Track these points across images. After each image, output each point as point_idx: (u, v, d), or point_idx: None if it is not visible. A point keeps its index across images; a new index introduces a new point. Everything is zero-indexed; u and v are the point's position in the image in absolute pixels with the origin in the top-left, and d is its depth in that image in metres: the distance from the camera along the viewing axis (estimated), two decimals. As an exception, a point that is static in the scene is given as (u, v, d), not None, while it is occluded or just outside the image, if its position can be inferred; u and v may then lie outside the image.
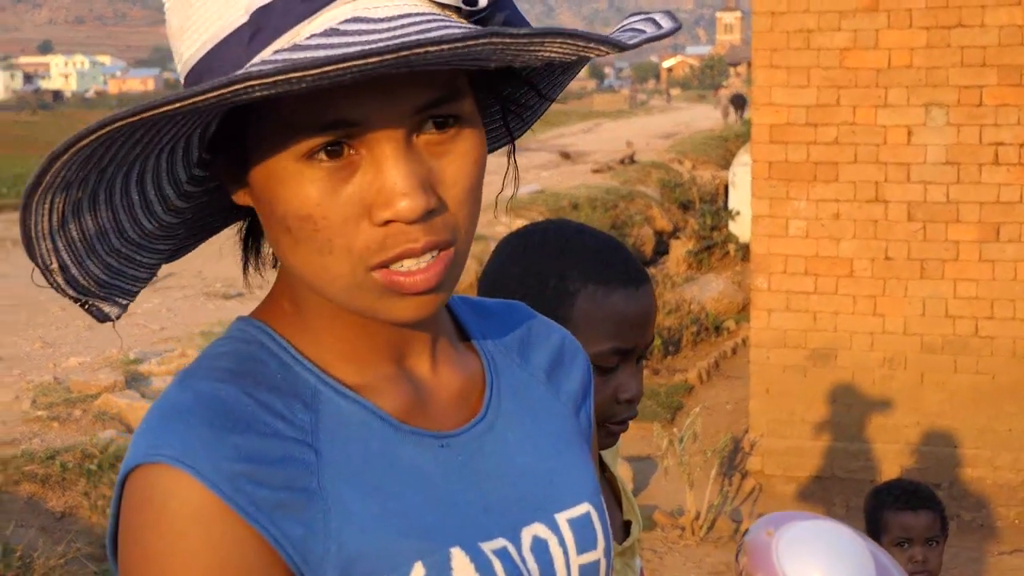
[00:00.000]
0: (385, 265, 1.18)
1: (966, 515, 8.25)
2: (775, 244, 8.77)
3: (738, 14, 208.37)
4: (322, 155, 1.16)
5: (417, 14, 1.11)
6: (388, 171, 1.16)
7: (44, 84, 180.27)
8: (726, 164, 23.84)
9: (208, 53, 1.16)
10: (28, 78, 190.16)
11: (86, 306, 1.24)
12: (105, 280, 1.23)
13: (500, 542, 1.28)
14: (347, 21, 1.10)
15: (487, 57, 1.14)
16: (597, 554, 1.38)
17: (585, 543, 1.36)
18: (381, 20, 1.10)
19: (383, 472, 1.24)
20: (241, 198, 1.26)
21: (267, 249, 1.35)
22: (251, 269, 1.36)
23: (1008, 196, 8.28)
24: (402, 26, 1.09)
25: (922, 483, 4.38)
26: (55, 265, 1.17)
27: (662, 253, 18.48)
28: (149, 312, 12.01)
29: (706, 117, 51.21)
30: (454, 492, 1.28)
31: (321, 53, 1.06)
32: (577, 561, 1.35)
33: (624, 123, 50.17)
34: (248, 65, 1.12)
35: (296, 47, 1.10)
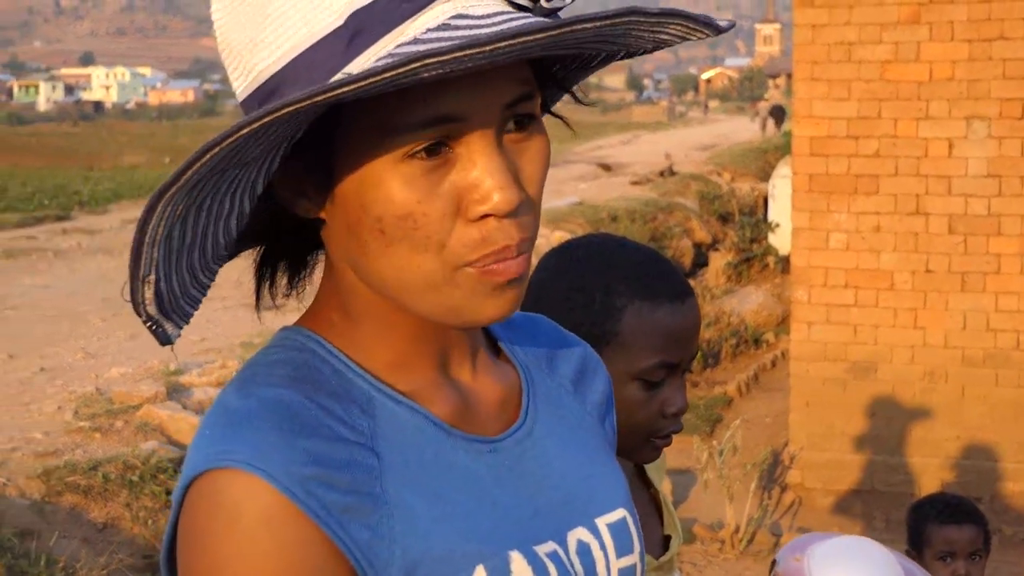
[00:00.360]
0: (480, 262, 1.20)
1: (1007, 529, 8.20)
2: (815, 256, 8.74)
3: (777, 26, 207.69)
4: (422, 153, 1.17)
5: (507, 12, 1.14)
6: (484, 165, 1.18)
7: (85, 95, 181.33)
8: (765, 176, 23.78)
9: (292, 62, 1.16)
10: (69, 89, 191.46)
11: (155, 327, 1.24)
12: (177, 298, 1.24)
13: (551, 545, 1.30)
14: (454, 17, 1.12)
15: (615, 38, 1.20)
16: (634, 558, 1.40)
17: (623, 547, 1.39)
18: (482, 16, 1.12)
19: (440, 477, 1.26)
20: (309, 211, 1.26)
21: (281, 278, 1.36)
22: (264, 295, 1.36)
23: (1050, 209, 8.24)
24: (503, 21, 1.12)
25: (965, 497, 4.36)
26: (152, 276, 1.18)
27: (701, 265, 18.44)
28: (189, 323, 11.99)
29: (745, 129, 51.11)
30: (505, 496, 1.30)
31: (453, 38, 1.09)
32: (616, 565, 1.38)
33: (663, 135, 50.14)
34: (351, 66, 1.13)
35: (417, 40, 1.11)
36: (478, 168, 1.18)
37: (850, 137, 8.62)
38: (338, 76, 1.12)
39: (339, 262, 1.29)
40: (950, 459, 8.52)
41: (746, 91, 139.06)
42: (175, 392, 8.96)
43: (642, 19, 1.16)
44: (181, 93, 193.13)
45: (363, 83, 1.06)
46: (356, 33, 1.14)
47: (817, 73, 8.65)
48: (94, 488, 7.13)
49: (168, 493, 7.21)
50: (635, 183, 25.20)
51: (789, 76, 9.26)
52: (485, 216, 1.19)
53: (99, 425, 8.16)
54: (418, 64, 1.05)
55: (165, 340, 1.27)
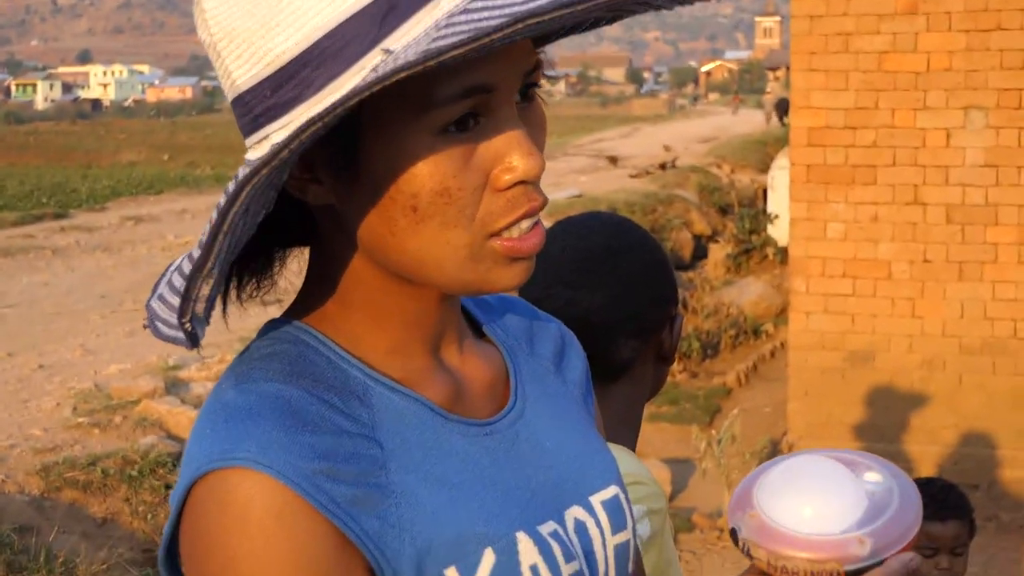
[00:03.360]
0: (505, 229, 1.21)
1: (1005, 516, 8.22)
2: (813, 247, 8.75)
3: (777, 18, 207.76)
4: (454, 127, 1.18)
5: None
6: (511, 134, 1.20)
7: (83, 94, 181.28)
8: (765, 168, 23.78)
9: (318, 41, 1.14)
10: (67, 88, 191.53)
11: (192, 329, 1.22)
12: (212, 297, 1.22)
13: (551, 525, 1.31)
14: None
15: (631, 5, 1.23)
16: (628, 534, 1.41)
17: (618, 523, 1.40)
18: None
19: (441, 462, 1.26)
20: (319, 197, 1.25)
21: (249, 277, 1.33)
22: (232, 304, 1.33)
23: (1047, 198, 8.25)
24: None
25: (953, 486, 4.28)
26: (216, 271, 1.17)
27: (700, 257, 18.46)
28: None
29: (745, 121, 51.09)
30: (504, 479, 1.30)
31: (485, 15, 1.08)
32: (612, 541, 1.38)
33: (663, 127, 50.13)
34: (388, 42, 1.13)
35: (467, 11, 1.10)
36: (506, 138, 1.20)
37: (848, 127, 8.62)
38: (432, 45, 1.08)
39: (344, 249, 1.28)
40: (948, 447, 8.53)
41: (745, 84, 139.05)
42: (173, 387, 8.97)
43: None
44: (179, 90, 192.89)
45: (465, 48, 1.06)
46: (392, 8, 1.13)
47: (815, 64, 8.66)
48: (93, 483, 7.14)
49: (168, 487, 7.22)
50: (635, 176, 25.21)
51: (788, 68, 9.30)
52: (515, 183, 1.20)
53: (98, 421, 8.17)
54: (522, 26, 1.06)
55: (196, 342, 1.25)
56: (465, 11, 1.10)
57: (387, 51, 1.12)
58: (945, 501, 4.04)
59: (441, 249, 1.21)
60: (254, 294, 1.34)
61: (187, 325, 1.21)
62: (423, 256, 1.22)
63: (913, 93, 8.46)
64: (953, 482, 4.32)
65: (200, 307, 1.20)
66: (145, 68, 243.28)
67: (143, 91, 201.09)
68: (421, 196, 1.18)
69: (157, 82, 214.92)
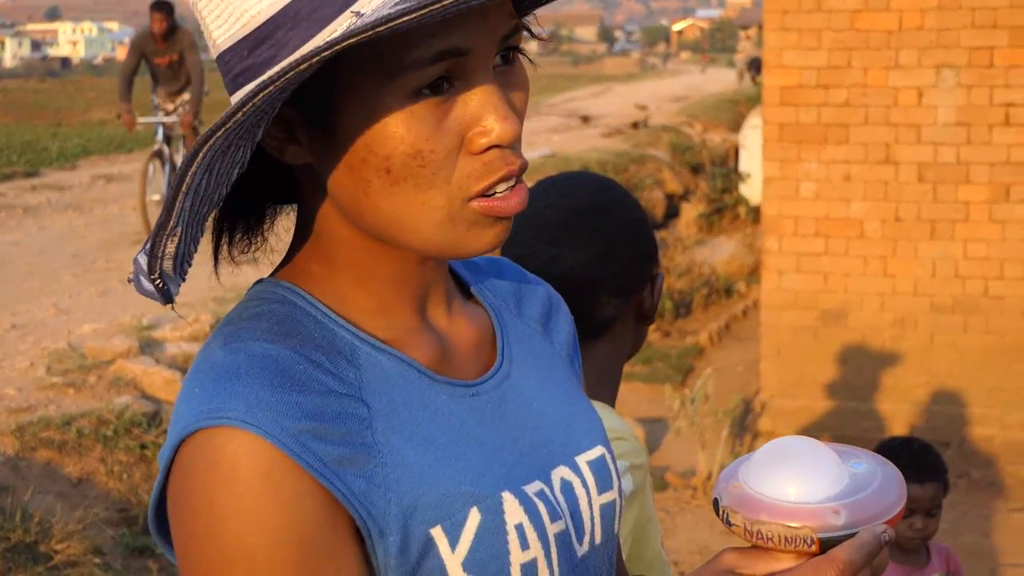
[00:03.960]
0: (484, 193, 1.22)
1: (976, 473, 8.29)
2: (786, 206, 8.78)
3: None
4: (427, 90, 1.19)
5: None
6: (486, 98, 1.21)
7: (52, 51, 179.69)
8: (736, 127, 23.76)
9: (292, 3, 1.16)
10: (36, 45, 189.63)
11: (163, 285, 1.24)
12: (183, 255, 1.24)
13: (537, 484, 1.32)
14: None
15: None
16: (613, 494, 1.43)
17: (604, 483, 1.42)
18: None
19: (428, 422, 1.27)
20: (297, 157, 1.26)
21: (240, 232, 1.36)
22: (223, 255, 1.36)
23: (1018, 157, 8.29)
24: None
25: (929, 446, 4.31)
26: (179, 228, 1.19)
27: (673, 216, 18.45)
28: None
29: (717, 80, 51.03)
30: (491, 439, 1.32)
31: None
32: (598, 501, 1.40)
33: (635, 86, 50.00)
34: (359, 4, 1.14)
35: None
36: (480, 101, 1.21)
37: (820, 86, 8.63)
38: (386, 11, 1.10)
39: (326, 209, 1.29)
40: (919, 405, 8.59)
41: (717, 42, 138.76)
42: (148, 347, 8.94)
43: None
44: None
45: (420, 12, 1.07)
46: None
47: (787, 23, 8.66)
48: (68, 443, 7.13)
49: (143, 447, 7.22)
50: (607, 135, 25.16)
51: (760, 27, 9.26)
52: (490, 147, 1.21)
53: (72, 380, 8.14)
54: (438, 6, 1.06)
55: (168, 299, 1.27)
56: None
57: (357, 13, 1.13)
58: (924, 463, 4.08)
59: (417, 210, 1.22)
60: (245, 251, 1.36)
61: (157, 282, 1.23)
62: (398, 218, 1.23)
63: (885, 52, 8.48)
64: (929, 442, 4.34)
65: (168, 264, 1.21)
66: (115, 25, 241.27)
67: (113, 49, 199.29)
68: (394, 158, 1.20)
69: (127, 40, 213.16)
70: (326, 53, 1.09)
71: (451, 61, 1.18)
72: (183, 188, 1.15)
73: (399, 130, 1.19)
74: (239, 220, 1.35)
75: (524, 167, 1.24)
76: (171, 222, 1.17)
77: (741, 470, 1.29)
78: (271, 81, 1.10)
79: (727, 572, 1.22)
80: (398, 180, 1.20)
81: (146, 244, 1.21)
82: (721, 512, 1.26)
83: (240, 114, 1.11)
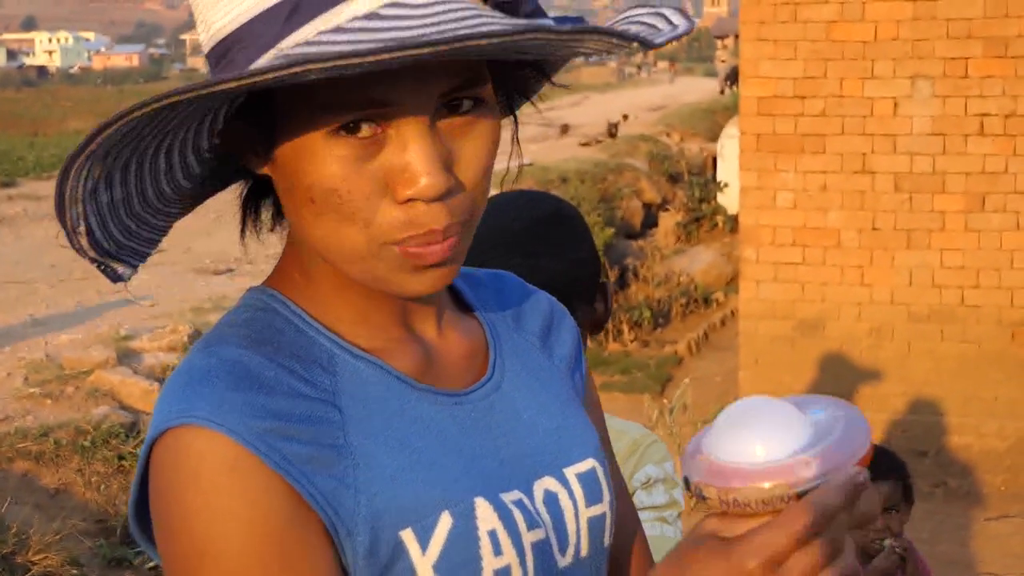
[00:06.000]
0: (405, 242, 1.22)
1: (953, 482, 8.31)
2: (763, 216, 8.81)
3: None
4: (351, 131, 1.19)
5: (451, 3, 1.13)
6: (412, 151, 1.20)
7: (28, 61, 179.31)
8: (714, 136, 23.82)
9: (242, 27, 1.19)
10: (12, 55, 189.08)
11: (102, 267, 1.26)
12: (123, 242, 1.26)
13: (517, 494, 1.33)
14: (387, 6, 1.13)
15: (530, 50, 1.18)
16: (603, 507, 1.43)
17: (593, 496, 1.42)
18: (418, 6, 1.13)
19: (405, 428, 1.29)
20: (257, 166, 1.29)
21: (265, 214, 1.39)
22: (249, 232, 1.39)
23: (993, 166, 8.33)
24: (440, 13, 1.12)
25: (888, 450, 4.36)
26: (82, 228, 1.20)
27: (651, 225, 18.48)
28: (139, 289, 11.98)
29: (696, 89, 51.08)
30: (472, 447, 1.33)
31: (366, 37, 1.10)
32: (586, 513, 1.41)
33: (612, 96, 50.04)
34: (284, 43, 1.16)
35: (340, 29, 1.13)
36: (407, 152, 1.20)
37: (797, 97, 8.67)
38: (262, 61, 1.15)
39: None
40: (896, 414, 8.62)
41: (694, 52, 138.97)
42: (125, 357, 8.93)
43: (553, 36, 1.13)
44: (126, 58, 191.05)
45: (249, 80, 1.08)
46: (295, 8, 1.16)
47: (763, 33, 8.69)
48: (45, 454, 7.11)
49: (121, 458, 7.20)
50: (584, 144, 25.18)
51: (736, 37, 9.30)
52: (412, 199, 1.21)
53: (50, 391, 8.13)
54: (299, 69, 1.06)
55: (115, 278, 1.28)
56: (337, 29, 1.13)
57: (280, 50, 1.16)
58: (876, 463, 4.13)
59: (340, 243, 1.24)
60: (271, 228, 1.39)
61: (95, 264, 1.25)
62: (326, 246, 1.26)
63: (861, 62, 8.52)
64: (888, 447, 4.37)
65: (92, 253, 1.23)
66: (91, 35, 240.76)
67: (89, 58, 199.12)
68: (314, 190, 1.22)
69: (103, 49, 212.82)
70: (163, 103, 1.10)
71: (375, 110, 1.19)
72: (64, 201, 1.17)
73: (318, 165, 1.21)
74: (263, 201, 1.38)
75: (454, 225, 1.23)
76: (68, 223, 1.19)
77: (704, 441, 1.29)
78: (108, 124, 1.11)
79: (709, 536, 1.22)
80: (321, 211, 1.22)
81: (58, 236, 1.23)
82: (693, 488, 1.26)
83: (93, 144, 1.12)
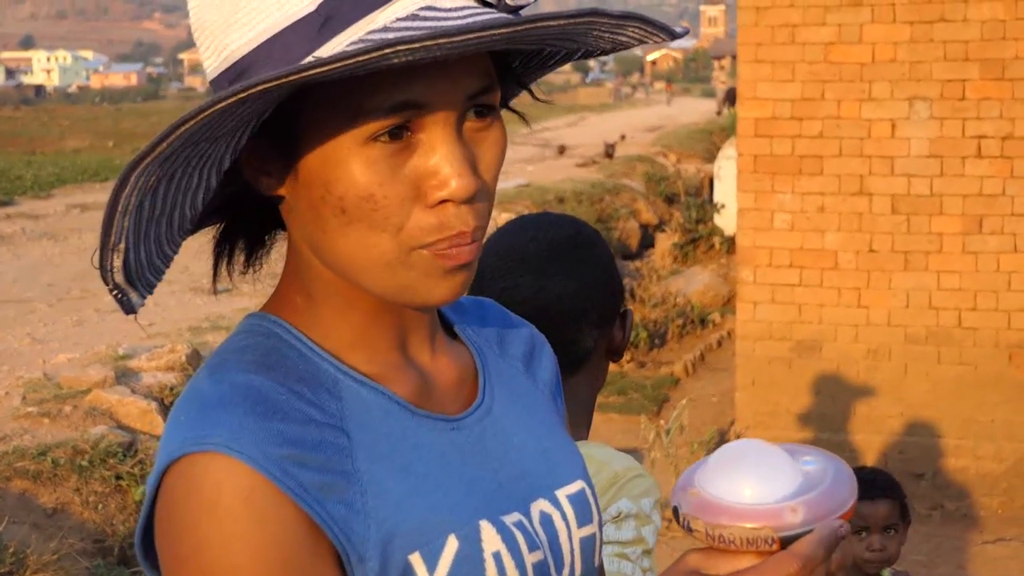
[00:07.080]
0: (435, 245, 1.24)
1: (949, 505, 8.31)
2: (760, 237, 8.82)
3: (722, 7, 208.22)
4: (385, 137, 1.21)
5: (472, 7, 1.18)
6: (444, 152, 1.22)
7: (26, 79, 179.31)
8: (711, 157, 23.86)
9: (264, 43, 1.20)
10: (10, 73, 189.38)
11: (120, 295, 1.27)
12: (144, 267, 1.27)
13: (516, 516, 1.35)
14: (423, 9, 1.17)
15: (576, 36, 1.25)
16: (593, 527, 1.46)
17: (583, 517, 1.44)
18: (450, 9, 1.17)
19: (408, 453, 1.30)
20: (269, 188, 1.30)
21: (240, 253, 1.40)
22: (222, 273, 1.40)
23: (991, 188, 8.35)
24: (469, 15, 1.16)
25: (882, 471, 4.40)
26: (122, 245, 1.21)
27: (647, 246, 18.50)
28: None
29: (692, 110, 51.18)
30: (470, 471, 1.35)
31: (423, 25, 1.14)
32: (578, 534, 1.43)
33: (609, 116, 50.13)
34: (322, 50, 1.17)
35: (387, 28, 1.15)
36: (438, 155, 1.23)
37: (794, 118, 8.69)
38: (309, 59, 1.16)
39: (299, 241, 1.33)
40: (893, 436, 8.62)
41: (691, 72, 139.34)
42: (123, 377, 8.92)
43: (604, 20, 1.21)
44: (124, 77, 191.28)
45: (335, 65, 1.10)
46: (328, 19, 1.17)
47: (761, 55, 8.71)
48: (43, 473, 7.11)
49: (118, 478, 7.20)
50: (581, 165, 25.22)
51: (734, 58, 9.34)
52: (443, 202, 1.23)
53: (47, 410, 8.12)
54: (390, 50, 1.09)
55: (130, 309, 1.30)
56: (385, 28, 1.16)
57: (317, 57, 1.16)
58: (873, 482, 4.20)
59: (367, 253, 1.25)
60: (243, 272, 1.40)
61: (114, 292, 1.26)
62: (352, 258, 1.26)
63: (858, 84, 8.54)
64: (885, 469, 4.43)
65: (120, 277, 1.24)
66: (89, 54, 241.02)
67: (87, 77, 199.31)
68: (347, 199, 1.22)
69: (101, 68, 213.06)
70: (252, 91, 1.11)
71: (410, 112, 1.21)
72: (116, 209, 1.17)
73: (354, 173, 1.22)
74: (238, 242, 1.39)
75: (479, 228, 1.27)
76: (112, 239, 1.20)
77: (697, 476, 1.32)
78: (190, 117, 1.12)
79: (692, 573, 1.24)
80: (352, 220, 1.23)
81: (93, 258, 1.24)
82: (682, 519, 1.29)
83: (164, 144, 1.13)
